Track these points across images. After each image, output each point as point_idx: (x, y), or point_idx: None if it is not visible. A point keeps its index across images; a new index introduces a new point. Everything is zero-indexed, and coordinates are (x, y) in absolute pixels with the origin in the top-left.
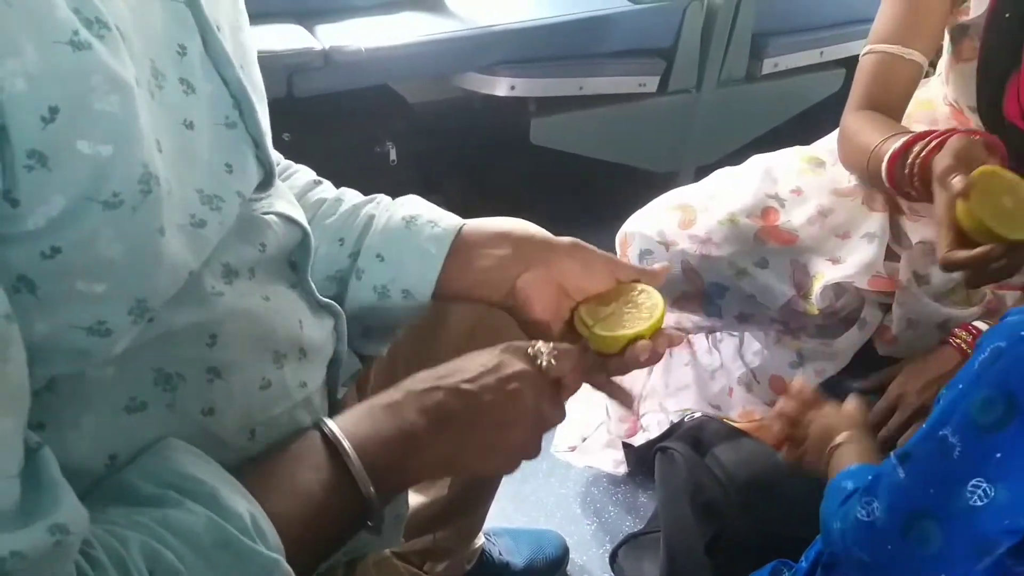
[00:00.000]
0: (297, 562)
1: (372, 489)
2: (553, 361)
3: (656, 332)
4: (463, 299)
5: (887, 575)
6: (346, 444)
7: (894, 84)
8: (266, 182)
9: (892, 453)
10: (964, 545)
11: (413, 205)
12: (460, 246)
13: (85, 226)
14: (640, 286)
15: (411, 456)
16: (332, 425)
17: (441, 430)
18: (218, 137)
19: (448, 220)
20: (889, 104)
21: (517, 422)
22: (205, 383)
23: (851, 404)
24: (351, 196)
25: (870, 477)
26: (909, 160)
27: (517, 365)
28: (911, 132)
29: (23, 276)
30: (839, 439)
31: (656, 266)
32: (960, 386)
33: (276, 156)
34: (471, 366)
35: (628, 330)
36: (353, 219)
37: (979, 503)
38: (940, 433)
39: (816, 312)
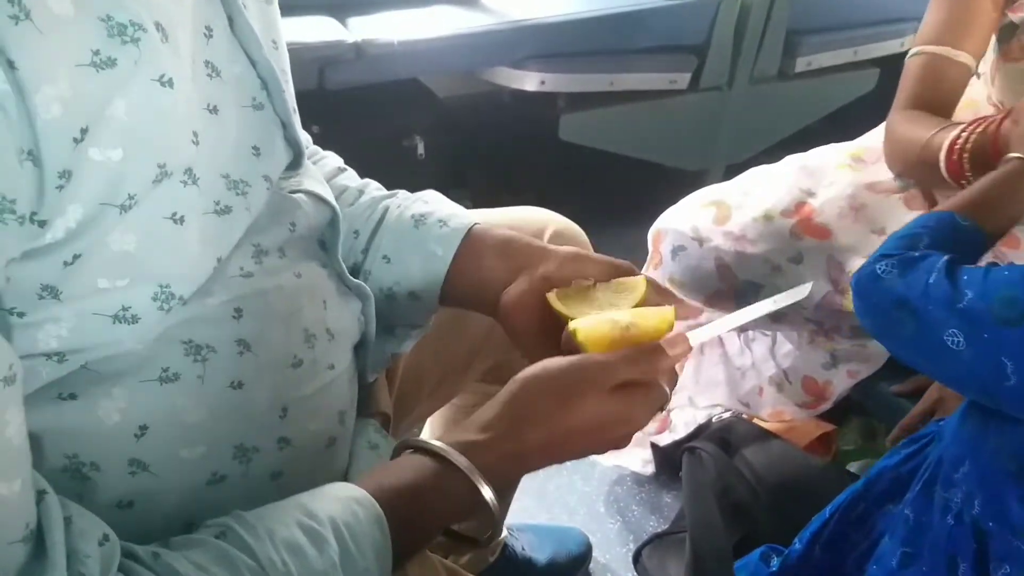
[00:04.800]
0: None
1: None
2: None
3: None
4: (464, 306)
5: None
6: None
7: (942, 85)
8: (295, 163)
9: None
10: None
11: (427, 202)
12: (467, 250)
13: (101, 229)
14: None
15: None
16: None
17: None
18: (245, 120)
19: (458, 219)
20: (937, 104)
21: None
22: (235, 355)
23: None
24: (373, 188)
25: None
26: (973, 136)
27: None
28: (963, 123)
29: (47, 285)
30: (1010, 155)
31: (688, 301)
32: None
33: (305, 138)
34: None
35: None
36: (370, 212)
37: None
38: None
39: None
